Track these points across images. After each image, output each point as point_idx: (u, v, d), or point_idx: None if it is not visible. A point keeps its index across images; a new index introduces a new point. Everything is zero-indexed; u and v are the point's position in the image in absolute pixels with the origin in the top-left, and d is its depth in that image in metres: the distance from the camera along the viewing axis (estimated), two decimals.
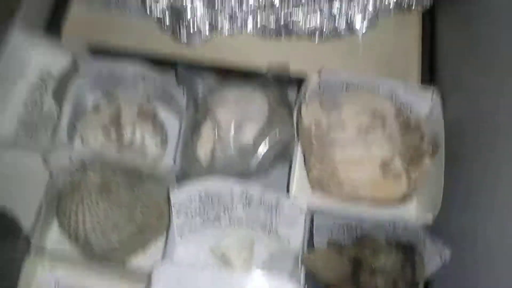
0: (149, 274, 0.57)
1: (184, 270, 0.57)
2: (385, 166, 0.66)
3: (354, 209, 0.64)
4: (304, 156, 0.67)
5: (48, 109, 0.72)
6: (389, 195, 0.65)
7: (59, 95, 0.69)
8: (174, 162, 0.68)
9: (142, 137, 0.69)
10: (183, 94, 0.68)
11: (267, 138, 0.66)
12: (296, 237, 0.63)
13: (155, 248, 0.66)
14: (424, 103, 0.67)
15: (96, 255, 0.64)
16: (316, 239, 0.66)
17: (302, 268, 0.61)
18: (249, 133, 0.66)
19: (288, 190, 0.65)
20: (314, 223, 0.64)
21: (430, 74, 0.72)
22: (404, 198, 0.66)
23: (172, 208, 0.62)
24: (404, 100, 0.67)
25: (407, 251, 0.65)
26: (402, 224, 0.65)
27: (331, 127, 0.65)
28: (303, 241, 0.63)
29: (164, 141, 0.73)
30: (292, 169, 0.66)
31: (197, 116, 0.68)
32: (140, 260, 0.65)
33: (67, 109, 0.68)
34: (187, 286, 0.54)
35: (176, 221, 0.62)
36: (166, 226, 0.67)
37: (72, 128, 0.69)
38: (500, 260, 0.51)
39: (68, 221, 0.63)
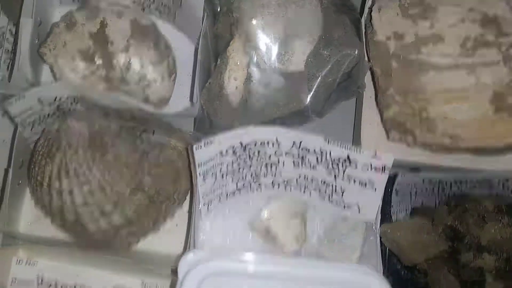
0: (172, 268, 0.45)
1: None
2: (498, 99, 0.48)
3: (449, 160, 0.49)
4: (377, 86, 0.51)
5: None
6: (500, 140, 0.49)
7: (10, 5, 0.51)
8: (192, 101, 0.50)
9: (141, 64, 0.51)
10: None
11: (325, 61, 0.49)
12: (369, 203, 0.48)
13: (171, 223, 0.51)
14: None
15: (92, 238, 0.48)
16: (396, 205, 0.51)
17: (379, 246, 0.48)
18: (298, 55, 0.49)
19: (353, 140, 0.52)
20: (394, 183, 0.50)
21: None
22: None
23: (197, 169, 0.45)
24: None
25: None
26: None
27: (421, 42, 0.48)
28: (379, 209, 0.48)
29: (172, 70, 0.53)
30: (358, 108, 0.50)
31: (219, 31, 0.51)
32: (151, 241, 0.50)
33: (26, 26, 0.49)
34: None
35: (201, 187, 0.46)
36: (184, 193, 0.51)
37: (36, 55, 0.50)
38: None
39: (48, 195, 0.46)
